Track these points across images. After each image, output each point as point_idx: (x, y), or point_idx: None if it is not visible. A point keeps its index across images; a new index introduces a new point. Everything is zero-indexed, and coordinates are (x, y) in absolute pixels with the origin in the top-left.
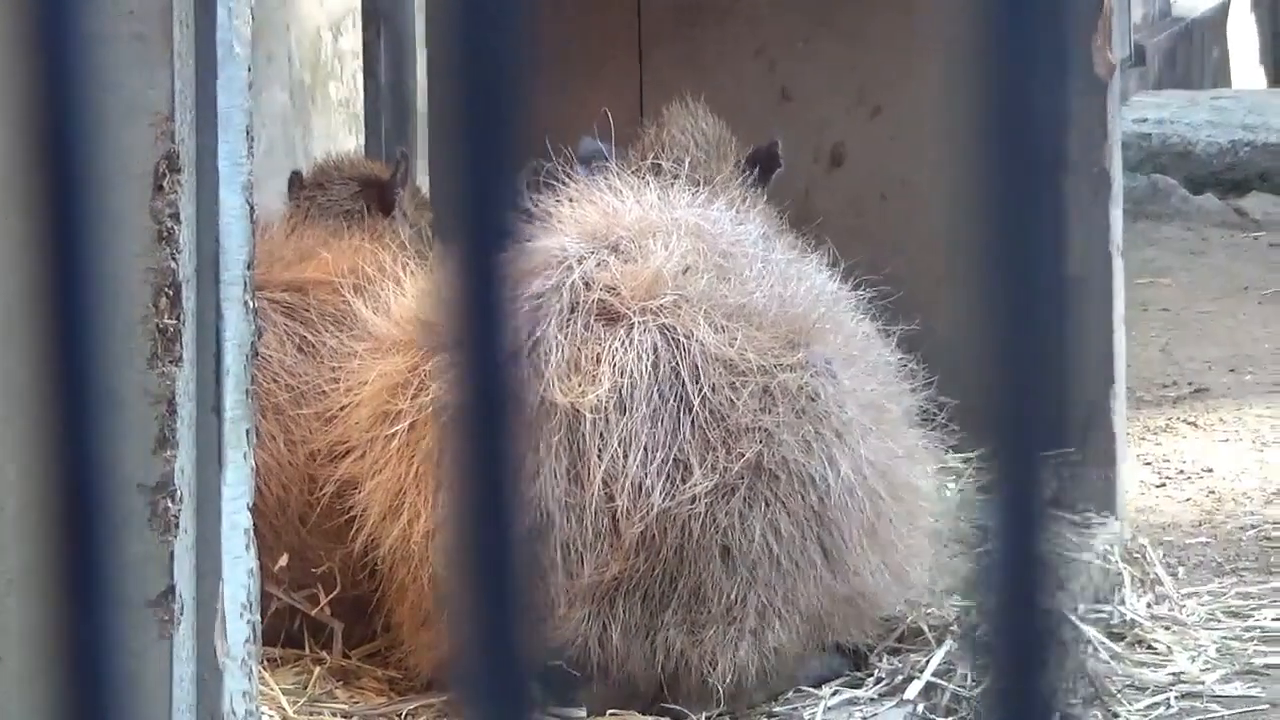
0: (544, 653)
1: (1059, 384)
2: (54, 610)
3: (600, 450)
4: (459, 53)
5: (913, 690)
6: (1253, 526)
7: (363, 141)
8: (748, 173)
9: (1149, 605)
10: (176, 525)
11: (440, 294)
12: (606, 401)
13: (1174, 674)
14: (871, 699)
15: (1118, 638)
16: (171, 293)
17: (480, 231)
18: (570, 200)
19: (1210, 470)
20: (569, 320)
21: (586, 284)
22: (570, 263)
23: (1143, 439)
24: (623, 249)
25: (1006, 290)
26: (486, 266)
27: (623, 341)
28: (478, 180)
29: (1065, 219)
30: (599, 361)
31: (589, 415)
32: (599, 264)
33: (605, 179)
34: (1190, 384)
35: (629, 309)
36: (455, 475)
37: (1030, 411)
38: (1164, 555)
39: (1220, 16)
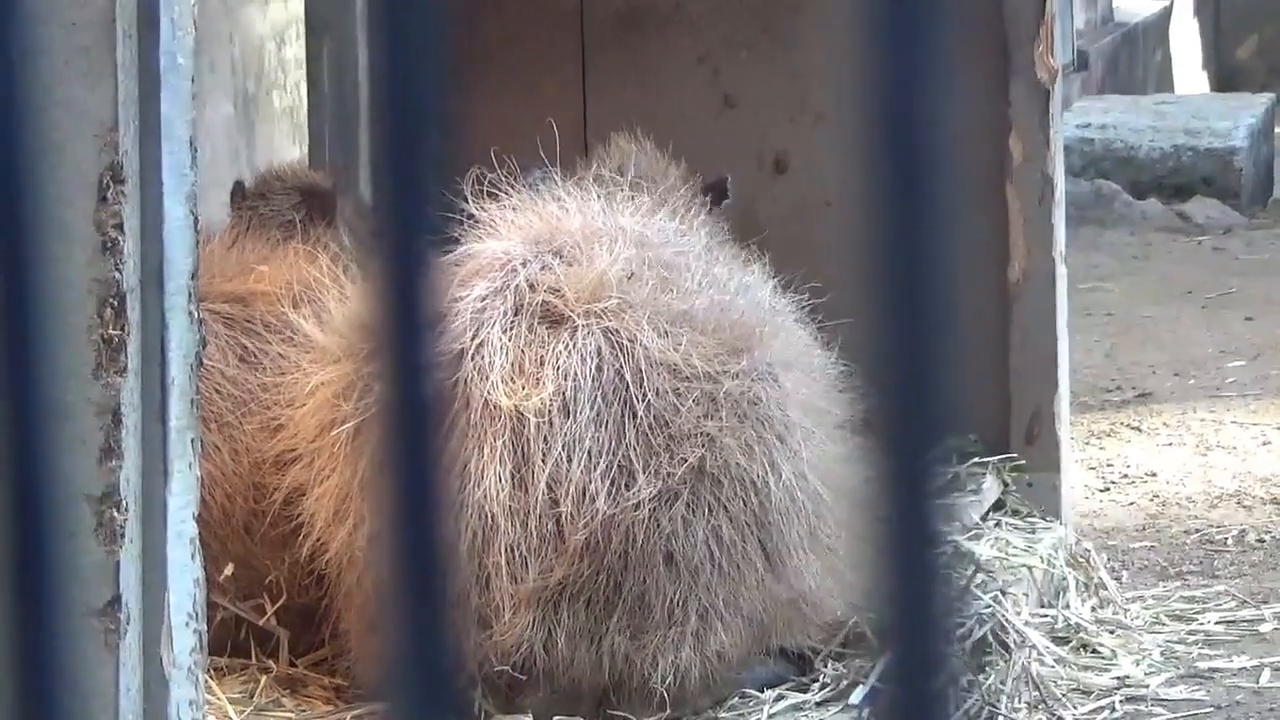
0: (476, 658)
1: (1000, 388)
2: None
3: (544, 454)
4: (383, 55)
5: (857, 695)
6: (1196, 530)
7: (306, 151)
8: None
9: (1093, 609)
10: (122, 535)
11: (367, 300)
12: (550, 405)
13: (1118, 678)
14: (816, 704)
15: (1062, 642)
16: (116, 303)
17: (404, 237)
18: (514, 208)
19: (1154, 474)
20: (513, 323)
21: (531, 286)
22: (514, 265)
23: (1087, 443)
24: (567, 253)
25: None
26: (410, 273)
27: (566, 344)
28: (400, 185)
29: (1008, 225)
30: (542, 364)
31: (533, 419)
32: (543, 267)
33: (549, 192)
34: (1134, 388)
35: (573, 311)
36: (382, 480)
37: (928, 410)
38: (1108, 559)
39: (1163, 21)
